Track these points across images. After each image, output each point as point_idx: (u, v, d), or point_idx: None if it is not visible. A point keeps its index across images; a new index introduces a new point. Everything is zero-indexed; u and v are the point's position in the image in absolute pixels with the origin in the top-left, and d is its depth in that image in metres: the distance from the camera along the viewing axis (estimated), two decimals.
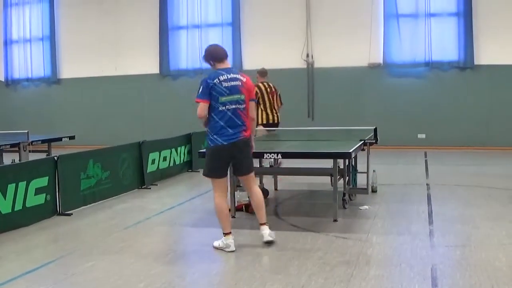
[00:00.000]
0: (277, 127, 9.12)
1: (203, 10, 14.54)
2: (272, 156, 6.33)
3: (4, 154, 9.49)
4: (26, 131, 9.27)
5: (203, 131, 5.34)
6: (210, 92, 5.02)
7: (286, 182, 8.42)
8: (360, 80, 13.57)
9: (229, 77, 5.10)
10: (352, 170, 7.27)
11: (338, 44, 13.48)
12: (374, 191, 7.66)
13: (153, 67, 14.99)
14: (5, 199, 5.95)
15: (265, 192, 7.64)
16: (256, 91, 8.78)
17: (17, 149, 8.91)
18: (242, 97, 5.15)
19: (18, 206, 6.13)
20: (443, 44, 12.99)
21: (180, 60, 14.81)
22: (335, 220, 6.18)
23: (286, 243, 5.38)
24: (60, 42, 15.76)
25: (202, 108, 5.04)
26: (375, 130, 7.03)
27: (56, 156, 6.93)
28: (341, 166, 6.82)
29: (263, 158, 6.83)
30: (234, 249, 5.12)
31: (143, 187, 8.63)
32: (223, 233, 5.19)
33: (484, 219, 6.17)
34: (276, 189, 8.14)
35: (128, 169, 8.33)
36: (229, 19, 14.31)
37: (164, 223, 6.49)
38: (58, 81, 15.88)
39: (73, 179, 7.07)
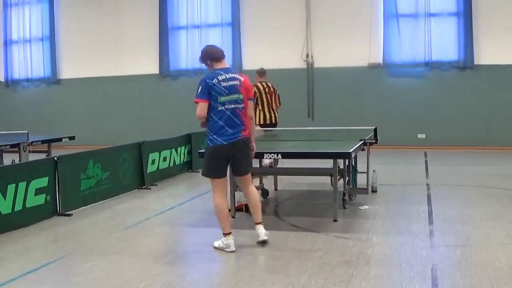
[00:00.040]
0: (275, 127, 9.11)
1: (203, 10, 14.54)
2: (272, 156, 6.33)
3: (4, 154, 9.49)
4: (26, 131, 9.27)
5: (203, 131, 5.34)
6: (209, 92, 5.02)
7: (286, 182, 8.42)
8: (360, 80, 13.58)
9: (227, 76, 5.11)
10: (352, 170, 7.27)
11: (338, 44, 13.48)
12: (374, 191, 7.66)
13: (153, 67, 14.99)
14: (5, 199, 5.95)
15: (265, 192, 7.66)
16: (255, 91, 8.80)
17: (17, 149, 8.91)
18: (241, 96, 5.16)
19: (18, 207, 6.13)
20: (443, 44, 12.99)
21: (180, 60, 14.82)
22: (335, 220, 6.18)
23: (286, 243, 5.39)
24: (60, 42, 15.76)
25: (202, 107, 5.03)
26: (375, 130, 7.03)
27: (56, 156, 6.93)
28: (341, 166, 6.83)
29: (263, 158, 6.83)
30: (234, 249, 5.13)
31: (143, 187, 8.63)
32: (223, 234, 5.19)
33: (484, 219, 6.17)
34: (276, 189, 8.14)
35: (128, 170, 8.33)
36: (229, 19, 14.31)
37: (164, 224, 6.49)
38: (58, 82, 15.88)
39: (73, 179, 7.07)
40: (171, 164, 9.68)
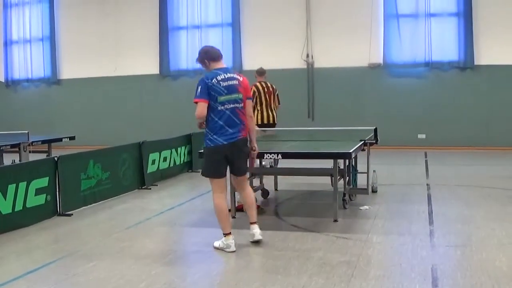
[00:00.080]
0: (274, 127, 9.11)
1: (203, 10, 14.54)
2: (272, 156, 6.33)
3: (4, 154, 9.48)
4: (26, 131, 9.26)
5: (203, 132, 5.34)
6: (208, 92, 5.03)
7: (286, 183, 8.42)
8: (360, 80, 13.58)
9: (226, 76, 5.12)
10: (352, 170, 7.27)
11: (338, 44, 13.48)
12: (374, 191, 7.66)
13: (153, 68, 14.99)
14: (5, 199, 5.95)
15: (265, 192, 7.66)
16: (254, 91, 8.80)
17: (17, 149, 8.90)
18: (240, 96, 5.18)
19: (19, 207, 6.14)
20: (443, 44, 12.99)
21: (180, 60, 14.82)
22: (336, 220, 6.18)
23: (286, 243, 5.39)
24: (60, 42, 15.76)
25: (202, 107, 5.03)
26: (375, 130, 7.02)
27: (56, 156, 6.93)
28: (341, 166, 6.82)
29: (263, 158, 6.83)
30: (234, 249, 5.13)
31: (143, 187, 8.63)
32: (223, 234, 5.19)
33: (484, 219, 6.18)
34: (276, 189, 8.15)
35: (129, 170, 8.33)
36: (229, 20, 14.30)
37: (164, 224, 6.49)
38: (58, 82, 15.87)
39: (74, 179, 7.07)
40: (171, 164, 9.68)
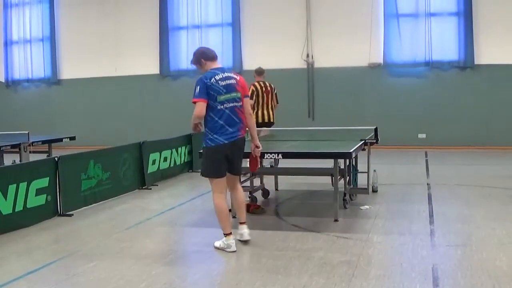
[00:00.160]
0: (271, 126, 9.13)
1: (203, 10, 14.54)
2: (273, 156, 6.33)
3: (4, 155, 9.48)
4: (27, 132, 9.27)
5: (203, 132, 5.35)
6: (207, 91, 5.04)
7: (286, 182, 8.42)
8: (360, 80, 13.57)
9: (224, 76, 5.14)
10: (352, 170, 7.27)
11: (338, 44, 13.48)
12: (374, 191, 7.66)
13: (153, 68, 14.98)
14: (5, 200, 5.95)
15: (265, 192, 7.66)
16: (252, 90, 8.87)
17: (17, 150, 8.91)
18: (239, 95, 5.20)
19: (19, 207, 6.14)
20: (443, 43, 12.98)
21: (180, 60, 14.80)
22: (336, 220, 6.18)
23: (286, 243, 5.39)
24: (60, 42, 15.76)
25: (201, 107, 5.03)
26: (376, 130, 7.02)
27: (56, 156, 6.93)
28: (342, 166, 6.82)
29: (264, 158, 6.83)
30: (235, 249, 5.13)
31: (143, 187, 8.63)
32: (224, 234, 5.19)
33: (484, 219, 6.18)
34: (276, 189, 8.15)
35: (129, 170, 8.33)
36: (229, 19, 14.30)
37: (165, 224, 6.50)
38: (58, 82, 15.87)
39: (74, 179, 7.07)
40: (172, 164, 9.68)
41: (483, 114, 12.89)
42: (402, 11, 13.17)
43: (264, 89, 9.16)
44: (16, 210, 6.09)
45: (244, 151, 5.41)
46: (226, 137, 5.09)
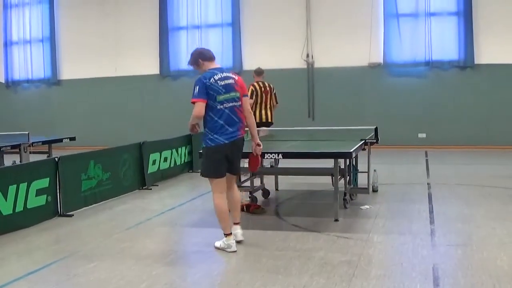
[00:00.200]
0: (270, 126, 9.14)
1: (203, 10, 14.54)
2: (273, 156, 6.33)
3: (5, 155, 9.48)
4: (27, 132, 9.27)
5: (203, 131, 5.34)
6: (207, 91, 5.04)
7: (286, 182, 8.42)
8: (360, 80, 13.57)
9: (222, 76, 5.15)
10: (353, 170, 7.27)
11: (338, 44, 13.48)
12: (375, 190, 7.66)
13: (153, 68, 14.98)
14: (6, 200, 5.95)
15: (266, 192, 7.66)
16: (252, 90, 8.91)
17: (17, 150, 8.91)
18: (237, 94, 5.21)
19: (19, 208, 6.14)
20: (443, 43, 12.98)
21: (180, 60, 14.78)
22: (336, 220, 6.18)
23: (287, 243, 5.39)
24: (60, 43, 15.76)
25: (200, 107, 5.03)
26: (376, 129, 7.02)
27: (57, 157, 6.93)
28: (342, 166, 6.82)
29: (264, 158, 6.83)
30: (235, 249, 5.13)
31: (144, 188, 8.63)
32: (224, 234, 5.19)
33: (485, 218, 6.18)
34: (277, 189, 8.15)
35: (129, 170, 8.33)
36: (229, 20, 14.29)
37: (165, 224, 6.50)
38: (58, 82, 15.87)
39: (74, 180, 7.07)
40: (172, 165, 9.68)
41: (483, 113, 12.89)
42: (402, 11, 13.18)
43: (263, 89, 9.20)
44: (16, 211, 6.09)
45: (243, 151, 5.41)
46: (226, 137, 5.10)
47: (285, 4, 13.93)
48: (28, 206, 6.26)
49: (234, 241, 5.17)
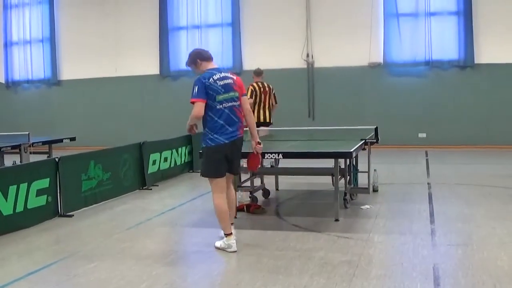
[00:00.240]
0: (268, 126, 9.15)
1: (203, 10, 14.54)
2: (273, 156, 6.33)
3: (5, 155, 9.48)
4: (27, 132, 9.27)
5: (204, 131, 5.34)
6: (206, 91, 5.04)
7: (287, 182, 8.42)
8: (361, 79, 13.57)
9: (221, 76, 5.16)
10: (353, 170, 7.27)
11: (338, 44, 13.48)
12: (375, 190, 7.66)
13: (153, 68, 14.99)
14: (6, 200, 5.95)
15: (266, 192, 7.66)
16: (251, 90, 8.94)
17: (18, 150, 8.91)
18: (236, 94, 5.22)
19: (20, 208, 6.14)
20: (443, 43, 12.99)
21: (180, 60, 14.77)
22: (337, 220, 6.18)
23: (287, 243, 5.39)
24: (60, 43, 15.77)
25: (200, 107, 5.03)
26: (376, 129, 7.02)
27: (57, 157, 6.93)
28: (342, 166, 6.82)
29: (264, 158, 6.83)
30: (235, 249, 5.13)
31: (144, 188, 8.63)
32: (224, 234, 5.19)
33: (485, 218, 6.18)
34: (277, 189, 8.15)
35: (129, 170, 8.33)
36: (229, 20, 14.30)
37: (165, 224, 6.49)
38: (58, 83, 15.88)
39: (74, 180, 7.07)
40: (172, 165, 9.68)
41: (483, 113, 12.89)
42: (402, 11, 13.19)
43: (262, 89, 9.22)
44: (16, 211, 6.09)
45: (242, 151, 5.42)
46: (226, 136, 5.10)
47: (285, 4, 13.94)
48: (29, 207, 6.26)
49: (235, 241, 5.17)
